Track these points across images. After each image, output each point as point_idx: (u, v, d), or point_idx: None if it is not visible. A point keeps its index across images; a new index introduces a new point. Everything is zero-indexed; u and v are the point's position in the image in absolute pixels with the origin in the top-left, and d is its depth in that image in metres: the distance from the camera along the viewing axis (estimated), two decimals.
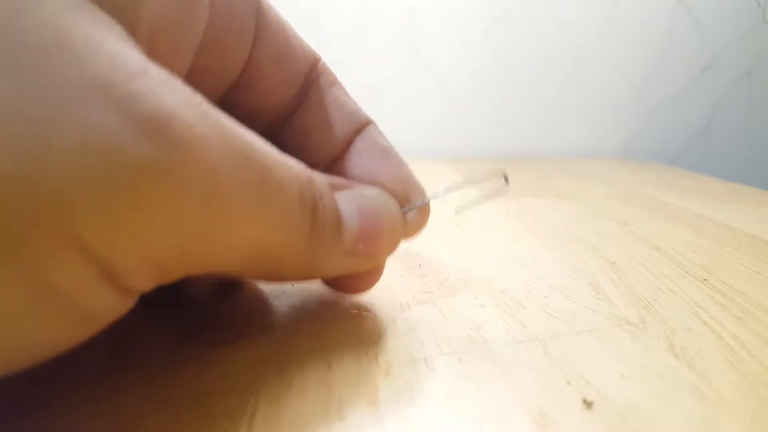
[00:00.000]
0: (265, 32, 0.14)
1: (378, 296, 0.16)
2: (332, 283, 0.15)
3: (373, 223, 0.14)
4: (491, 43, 0.57)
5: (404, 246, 0.15)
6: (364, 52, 0.56)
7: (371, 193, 0.14)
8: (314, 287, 0.17)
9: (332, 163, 0.16)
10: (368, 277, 0.15)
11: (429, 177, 0.16)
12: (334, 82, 0.16)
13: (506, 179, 0.16)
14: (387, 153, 0.16)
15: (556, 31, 0.58)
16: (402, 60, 0.57)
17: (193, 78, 0.13)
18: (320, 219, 0.12)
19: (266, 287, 0.17)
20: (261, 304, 0.16)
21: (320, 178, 0.13)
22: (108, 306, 0.09)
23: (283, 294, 0.17)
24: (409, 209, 0.15)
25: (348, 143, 0.16)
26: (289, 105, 0.16)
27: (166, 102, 0.08)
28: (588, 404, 0.11)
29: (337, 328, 0.14)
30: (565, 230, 0.25)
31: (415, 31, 0.56)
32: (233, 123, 0.10)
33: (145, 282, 0.09)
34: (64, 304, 0.08)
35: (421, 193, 0.16)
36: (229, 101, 0.15)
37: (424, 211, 0.16)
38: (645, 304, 0.16)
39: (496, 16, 0.57)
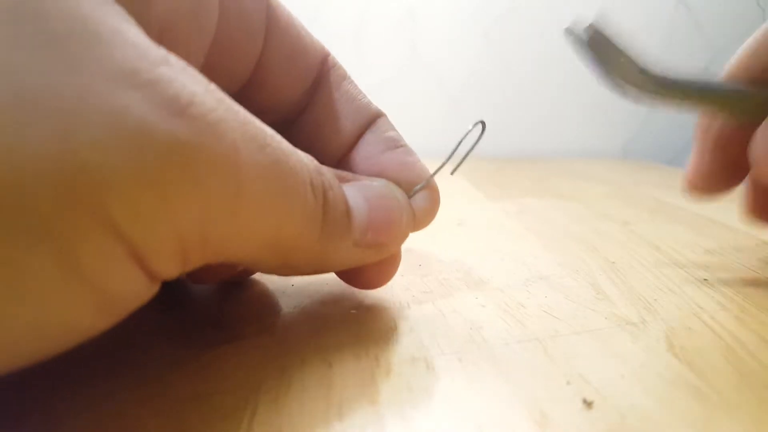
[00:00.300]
0: (275, 30, 0.14)
1: (378, 296, 0.16)
2: (350, 278, 0.16)
3: (382, 213, 0.14)
4: (491, 43, 0.57)
5: (404, 246, 0.15)
6: (364, 52, 0.56)
7: (378, 183, 0.14)
8: (314, 287, 0.17)
9: (343, 156, 0.16)
10: (385, 270, 0.15)
11: None
12: (345, 77, 0.16)
13: (483, 124, 0.16)
14: (394, 144, 0.16)
15: (556, 31, 0.58)
16: (402, 60, 0.57)
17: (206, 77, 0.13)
18: (331, 206, 0.12)
19: (266, 287, 0.17)
20: (261, 304, 0.16)
21: (328, 169, 0.13)
22: (133, 291, 0.09)
23: (283, 294, 0.17)
24: (413, 194, 0.15)
25: (359, 136, 0.16)
26: (301, 101, 0.16)
27: (188, 87, 0.09)
28: (588, 404, 0.11)
29: (337, 328, 0.14)
30: (565, 230, 0.25)
31: (415, 31, 0.56)
32: (246, 111, 0.10)
33: (170, 266, 0.09)
34: (92, 287, 0.08)
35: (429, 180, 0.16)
36: (241, 99, 0.15)
37: (433, 199, 0.16)
38: (645, 304, 0.16)
39: (496, 16, 0.57)
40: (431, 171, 0.16)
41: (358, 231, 0.13)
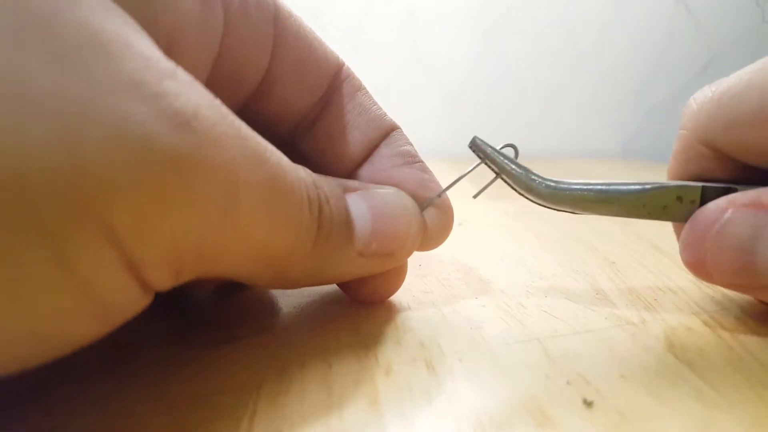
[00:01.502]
0: (284, 41, 0.14)
1: None
2: (353, 291, 0.15)
3: (387, 221, 0.14)
4: (491, 43, 0.57)
5: None
6: (365, 52, 0.56)
7: (385, 191, 0.14)
8: (314, 287, 0.17)
9: (356, 167, 0.16)
10: (389, 282, 0.15)
11: None
12: (359, 88, 0.16)
13: (515, 148, 0.16)
14: (411, 159, 0.16)
15: (556, 31, 0.58)
16: (402, 60, 0.57)
17: (212, 88, 0.13)
18: (327, 220, 0.12)
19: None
20: (261, 304, 0.16)
21: (328, 182, 0.13)
22: (126, 300, 0.09)
23: (283, 294, 0.17)
24: (425, 206, 0.15)
25: (371, 149, 0.16)
26: (312, 111, 0.16)
27: (193, 100, 0.09)
28: (588, 404, 0.11)
29: (337, 328, 0.14)
30: (565, 230, 0.25)
31: (415, 31, 0.56)
32: (248, 127, 0.10)
33: (164, 277, 0.09)
34: (85, 293, 0.08)
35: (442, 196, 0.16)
36: (250, 109, 0.15)
37: (446, 215, 0.15)
38: (645, 304, 0.16)
39: (496, 16, 0.57)
40: (444, 186, 0.16)
41: (362, 241, 0.13)
